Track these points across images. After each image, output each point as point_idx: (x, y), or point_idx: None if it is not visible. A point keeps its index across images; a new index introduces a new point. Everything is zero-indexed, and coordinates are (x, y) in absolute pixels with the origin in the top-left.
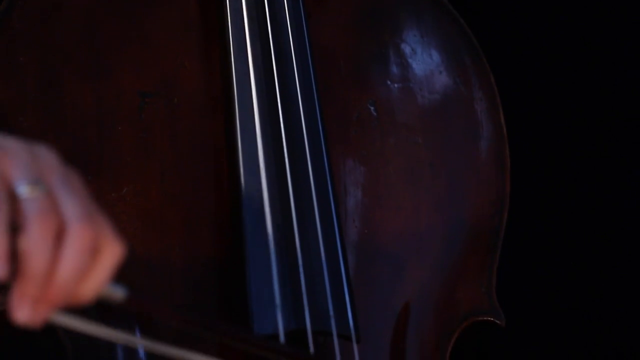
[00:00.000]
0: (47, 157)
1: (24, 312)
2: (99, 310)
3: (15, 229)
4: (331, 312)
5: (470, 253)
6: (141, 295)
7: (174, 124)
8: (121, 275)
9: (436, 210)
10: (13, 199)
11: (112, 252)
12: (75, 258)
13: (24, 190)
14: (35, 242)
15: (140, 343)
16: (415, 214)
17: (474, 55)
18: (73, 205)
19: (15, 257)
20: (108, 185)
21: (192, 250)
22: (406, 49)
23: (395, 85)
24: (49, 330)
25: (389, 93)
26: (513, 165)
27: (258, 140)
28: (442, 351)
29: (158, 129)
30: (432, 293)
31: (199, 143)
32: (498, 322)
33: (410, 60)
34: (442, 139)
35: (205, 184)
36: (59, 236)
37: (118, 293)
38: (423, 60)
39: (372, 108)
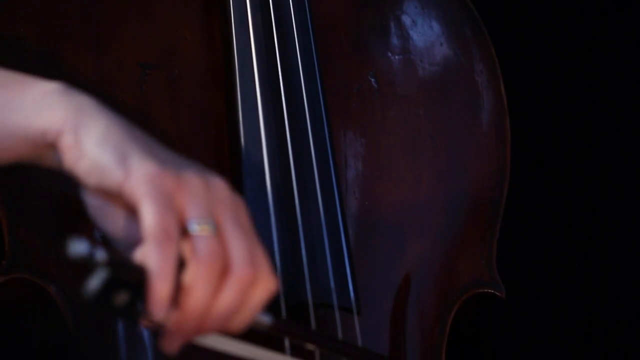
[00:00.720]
0: (221, 191)
1: (175, 342)
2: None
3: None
4: (332, 285)
5: (470, 225)
6: (284, 322)
7: (174, 95)
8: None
9: (437, 181)
10: (183, 231)
11: (266, 288)
12: (234, 297)
13: (195, 228)
14: (200, 281)
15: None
16: (415, 185)
17: (475, 26)
18: (240, 247)
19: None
20: None
21: None
22: (406, 20)
23: (396, 56)
24: (50, 303)
25: (390, 65)
26: (514, 138)
27: (259, 111)
28: (442, 323)
29: (159, 100)
30: (432, 265)
31: (200, 114)
32: (498, 294)
33: (410, 32)
34: (443, 110)
35: (206, 154)
36: (222, 274)
37: (265, 321)
38: (423, 32)
39: (372, 80)
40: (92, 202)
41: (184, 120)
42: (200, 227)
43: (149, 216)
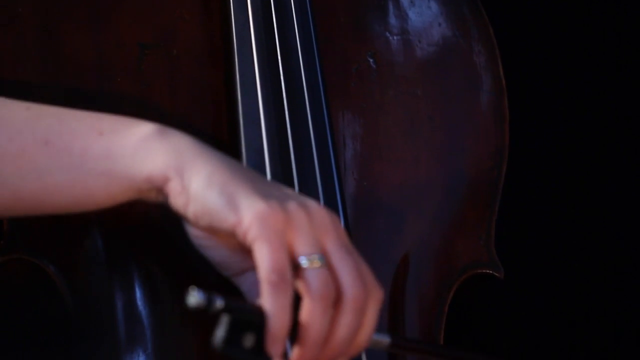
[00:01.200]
0: (321, 218)
1: None
2: None
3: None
4: None
5: (469, 205)
6: (403, 339)
7: (173, 75)
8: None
9: (435, 162)
10: (295, 267)
11: (377, 300)
12: (352, 320)
13: (306, 263)
14: (318, 314)
15: None
16: (414, 166)
17: (473, 7)
18: (349, 270)
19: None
20: None
21: None
22: (404, 0)
23: (394, 37)
24: (49, 284)
25: (388, 45)
26: (513, 119)
27: (258, 91)
28: (440, 303)
29: (157, 81)
30: (431, 245)
31: (199, 95)
32: (497, 274)
33: (409, 12)
34: (441, 91)
35: (205, 135)
36: (336, 302)
37: (384, 340)
38: (421, 12)
39: (371, 60)
40: (197, 234)
41: (183, 100)
42: (311, 261)
43: (265, 258)
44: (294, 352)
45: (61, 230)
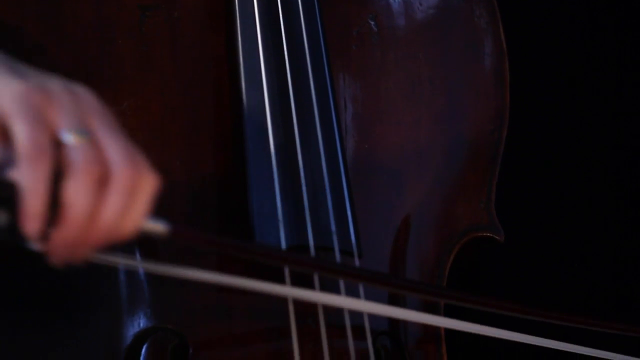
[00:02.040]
0: (88, 99)
1: (61, 256)
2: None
3: (56, 174)
4: (333, 228)
5: (469, 169)
6: (183, 227)
7: (174, 37)
8: None
9: (436, 125)
10: (57, 145)
11: (148, 187)
12: (118, 201)
13: (69, 138)
14: (79, 191)
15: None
16: (415, 128)
17: None
18: (116, 149)
19: (55, 203)
20: (109, 99)
21: (193, 165)
22: None
23: (396, 0)
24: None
25: (389, 8)
26: (513, 82)
27: (259, 53)
28: (441, 267)
29: (159, 43)
30: (431, 209)
31: (200, 57)
32: (497, 238)
33: None
34: (442, 54)
35: (206, 98)
36: (102, 181)
37: (160, 227)
38: None
39: (372, 23)
40: None
41: (184, 63)
42: (74, 136)
43: (21, 134)
44: (55, 233)
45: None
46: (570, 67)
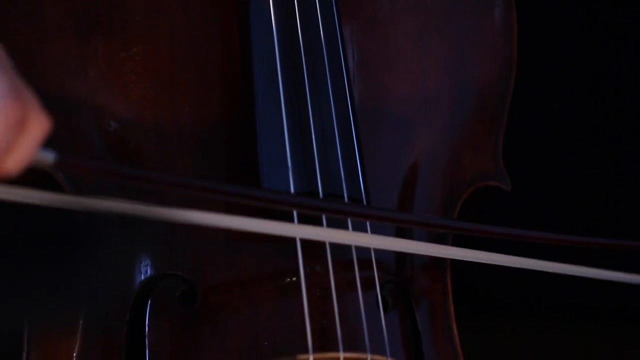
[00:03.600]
0: None
1: None
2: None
3: None
4: (342, 175)
5: (477, 118)
6: (71, 156)
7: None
8: (131, 138)
9: (444, 73)
10: None
11: (38, 126)
12: (1, 136)
13: None
14: None
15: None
16: (423, 77)
17: None
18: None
19: None
20: (117, 44)
21: (201, 111)
22: None
23: None
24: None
25: None
26: (522, 34)
27: (270, 1)
28: (448, 215)
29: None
30: (439, 157)
31: (209, 3)
32: (504, 187)
33: None
34: (451, 2)
35: (215, 43)
36: None
37: (48, 157)
38: None
39: None
40: None
41: (193, 8)
42: None
43: None
44: None
45: (68, 132)
46: (576, 18)
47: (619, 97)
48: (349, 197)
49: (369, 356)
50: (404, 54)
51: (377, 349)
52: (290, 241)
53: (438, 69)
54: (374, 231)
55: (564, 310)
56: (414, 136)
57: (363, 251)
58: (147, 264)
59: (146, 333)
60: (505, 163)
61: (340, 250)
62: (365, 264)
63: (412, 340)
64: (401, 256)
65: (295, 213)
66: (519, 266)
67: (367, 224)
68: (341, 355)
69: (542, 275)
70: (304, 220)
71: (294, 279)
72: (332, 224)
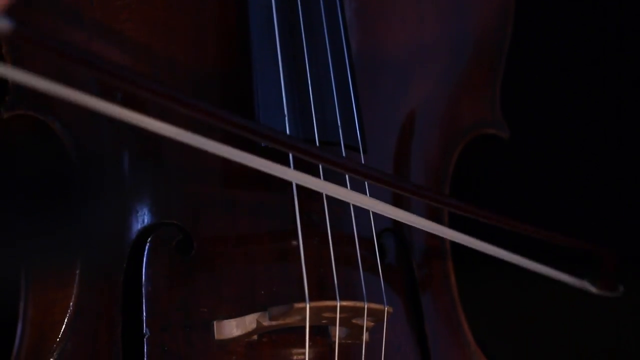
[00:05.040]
0: None
1: None
2: None
3: None
4: (339, 122)
5: (474, 66)
6: (29, 29)
7: None
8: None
9: (441, 22)
10: None
11: None
12: None
13: None
14: None
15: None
16: (419, 25)
17: None
18: None
19: None
20: None
21: (197, 57)
22: None
23: None
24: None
25: None
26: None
27: None
28: (445, 164)
29: None
30: (436, 105)
31: None
32: (502, 135)
33: None
34: None
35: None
36: None
37: (4, 24)
38: None
39: None
40: None
41: None
42: None
43: None
44: None
45: (66, 82)
46: None
47: (620, 47)
48: (345, 145)
49: (365, 304)
50: (399, 2)
51: (374, 298)
52: (287, 190)
53: (434, 16)
54: (371, 192)
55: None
56: (412, 84)
57: (359, 209)
58: (144, 213)
59: (143, 282)
60: (504, 113)
61: (338, 201)
62: (362, 214)
63: (410, 290)
64: (398, 205)
65: (291, 159)
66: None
67: (365, 183)
68: (338, 303)
69: (541, 222)
70: (301, 168)
71: (291, 227)
72: (329, 178)
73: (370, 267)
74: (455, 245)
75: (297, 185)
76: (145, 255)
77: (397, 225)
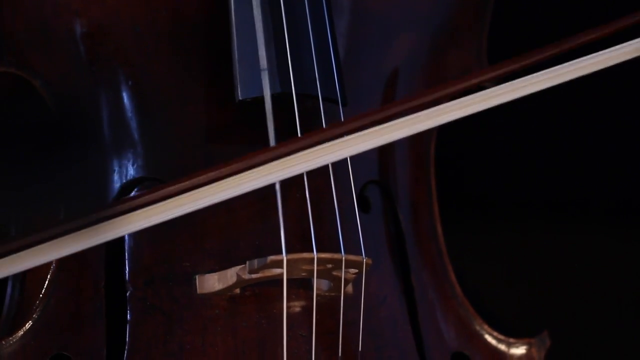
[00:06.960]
0: None
1: None
2: None
3: None
4: (317, 75)
5: (460, 15)
6: None
7: None
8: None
9: None
10: None
11: None
12: None
13: None
14: None
15: None
16: None
17: None
18: None
19: None
20: None
21: (178, 13)
22: None
23: None
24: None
25: None
26: None
27: None
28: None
29: None
30: (421, 58)
31: None
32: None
33: None
34: None
35: None
36: None
37: None
38: None
39: None
40: None
41: None
42: None
43: None
44: None
45: (46, 38)
46: None
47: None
48: (323, 98)
49: (343, 256)
50: None
51: (352, 249)
52: (267, 143)
53: None
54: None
55: (553, 209)
56: (395, 35)
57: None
58: (126, 168)
59: (126, 236)
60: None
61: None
62: (341, 166)
63: (396, 241)
64: (383, 156)
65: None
66: (516, 95)
67: None
68: (315, 255)
69: (529, 172)
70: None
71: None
72: (305, 116)
73: (349, 219)
74: (442, 193)
75: (276, 138)
76: None
77: (383, 176)
